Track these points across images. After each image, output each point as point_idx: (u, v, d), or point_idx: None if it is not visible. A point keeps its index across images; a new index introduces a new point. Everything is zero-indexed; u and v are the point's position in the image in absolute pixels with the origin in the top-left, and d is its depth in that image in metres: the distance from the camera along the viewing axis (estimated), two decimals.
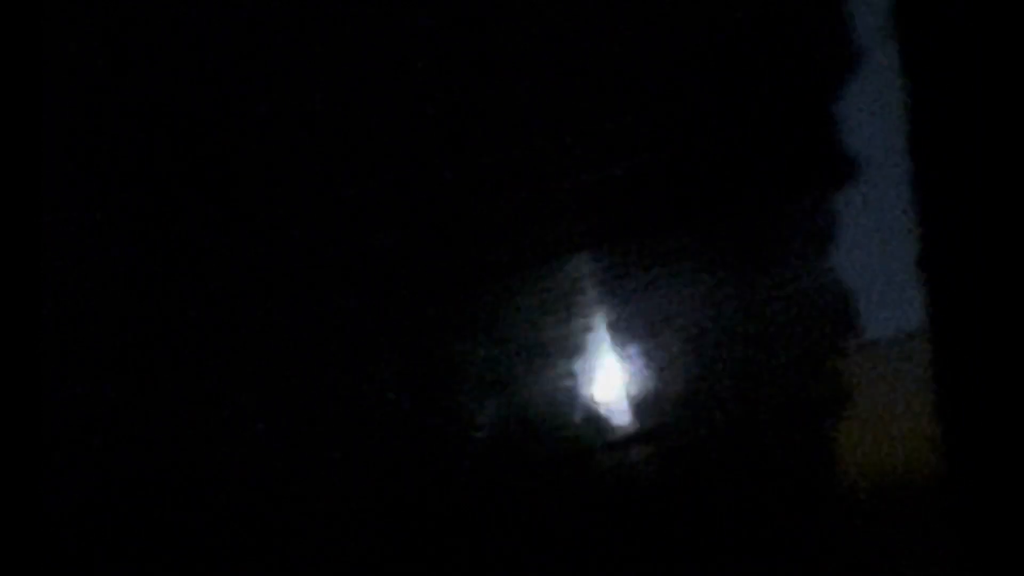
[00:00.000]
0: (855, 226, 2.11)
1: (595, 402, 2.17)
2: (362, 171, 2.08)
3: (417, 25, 2.03)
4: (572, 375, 2.16)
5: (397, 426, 2.13)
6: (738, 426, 2.16)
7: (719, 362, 2.16)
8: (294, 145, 2.04)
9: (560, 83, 2.10)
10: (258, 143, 2.01)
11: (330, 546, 2.09)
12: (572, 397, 2.17)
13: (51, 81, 1.71)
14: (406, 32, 2.02)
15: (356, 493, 2.11)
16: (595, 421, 2.18)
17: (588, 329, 2.15)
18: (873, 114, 2.07)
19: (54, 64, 1.75)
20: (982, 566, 1.95)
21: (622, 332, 2.16)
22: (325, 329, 2.10)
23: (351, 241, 2.09)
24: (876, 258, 2.10)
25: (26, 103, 1.55)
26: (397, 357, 2.14)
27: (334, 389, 2.11)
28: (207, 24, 1.90)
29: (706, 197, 2.14)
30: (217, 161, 2.02)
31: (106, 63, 1.83)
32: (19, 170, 1.52)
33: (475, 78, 2.08)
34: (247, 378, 2.04)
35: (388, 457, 2.13)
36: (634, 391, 2.17)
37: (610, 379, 2.17)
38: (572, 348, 2.16)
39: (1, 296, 1.48)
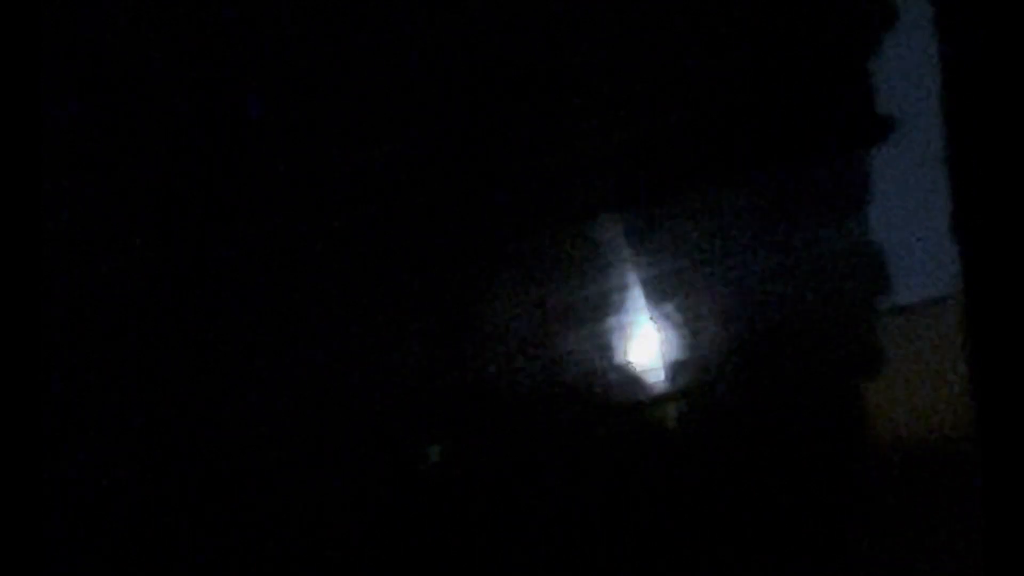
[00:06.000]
0: (889, 187, 2.06)
1: (627, 362, 2.17)
2: (392, 133, 2.07)
3: None
4: (604, 335, 2.16)
5: (428, 388, 2.15)
6: (769, 387, 2.14)
7: (750, 322, 2.14)
8: (317, 106, 2.04)
9: (590, 40, 2.06)
10: (282, 102, 2.01)
11: (361, 510, 2.12)
12: (604, 357, 2.16)
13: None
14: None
15: (388, 458, 2.14)
16: (627, 381, 2.17)
17: (619, 289, 2.14)
18: (908, 72, 2.01)
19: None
20: (1011, 532, 1.93)
21: (654, 292, 2.14)
22: (355, 292, 2.11)
23: (380, 203, 2.09)
24: (910, 221, 2.05)
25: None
26: (428, 319, 2.15)
27: (364, 352, 2.12)
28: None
29: (737, 156, 2.10)
30: (239, 127, 2.03)
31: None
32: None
33: (504, 35, 2.06)
34: (275, 342, 2.07)
35: (420, 420, 2.15)
36: (666, 351, 2.16)
37: (642, 339, 2.16)
38: (603, 308, 2.15)
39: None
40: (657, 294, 2.14)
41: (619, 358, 2.16)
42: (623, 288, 2.14)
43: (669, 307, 2.15)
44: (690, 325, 2.15)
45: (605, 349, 2.16)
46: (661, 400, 2.17)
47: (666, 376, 2.16)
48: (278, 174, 2.00)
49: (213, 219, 1.99)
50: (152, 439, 1.98)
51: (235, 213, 2.00)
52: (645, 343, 2.16)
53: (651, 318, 2.15)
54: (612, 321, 2.15)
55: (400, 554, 2.11)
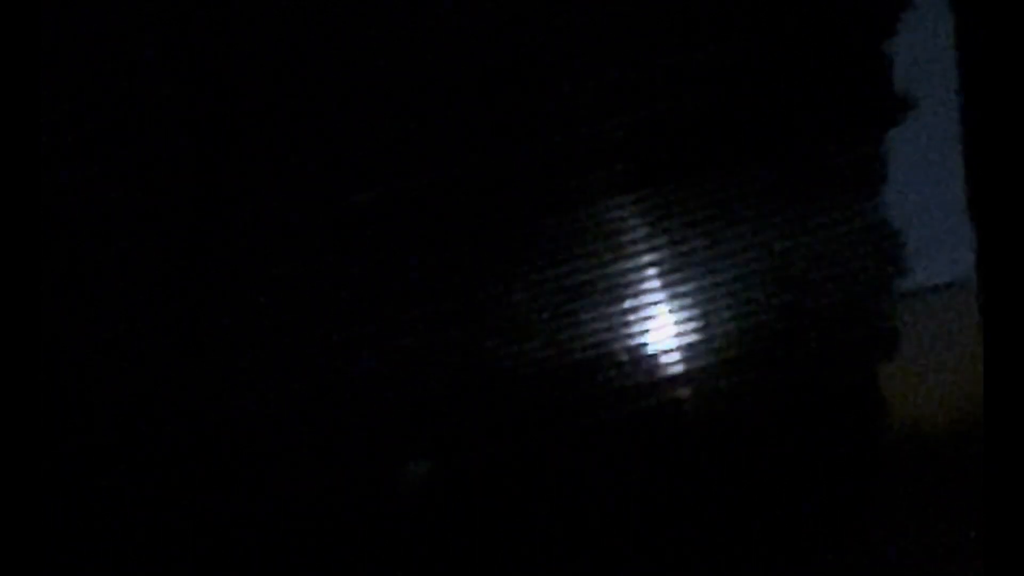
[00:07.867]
0: (904, 170, 2.04)
1: (639, 344, 2.16)
2: (402, 118, 2.07)
3: None
4: (616, 317, 2.15)
5: (439, 369, 2.15)
6: (784, 369, 2.14)
7: (763, 305, 2.13)
8: (325, 93, 2.04)
9: (603, 22, 2.05)
10: (288, 95, 2.01)
11: (371, 498, 2.13)
12: (616, 339, 2.16)
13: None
14: None
15: (400, 438, 2.15)
16: (639, 363, 2.17)
17: (632, 271, 2.14)
18: (924, 55, 1.98)
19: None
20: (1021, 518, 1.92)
21: (666, 274, 2.14)
22: (366, 276, 2.12)
23: (392, 187, 2.09)
24: (926, 204, 2.03)
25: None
26: (439, 299, 2.15)
27: (376, 333, 2.13)
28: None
29: (750, 138, 2.08)
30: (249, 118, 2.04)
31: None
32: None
33: (515, 19, 2.05)
34: (288, 329, 2.08)
35: (432, 402, 2.16)
36: (678, 332, 2.16)
37: (654, 321, 2.16)
38: (616, 290, 2.15)
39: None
40: (672, 276, 2.14)
41: (633, 340, 2.16)
42: (638, 269, 2.14)
43: (684, 289, 2.14)
44: (705, 307, 2.14)
45: (619, 330, 2.16)
46: (672, 381, 2.17)
47: (678, 358, 2.16)
48: (283, 161, 2.00)
49: (210, 216, 2.00)
50: (150, 436, 2.00)
51: (233, 210, 2.01)
52: (657, 325, 2.16)
53: (666, 299, 2.15)
54: (627, 303, 2.15)
55: (414, 537, 2.13)
